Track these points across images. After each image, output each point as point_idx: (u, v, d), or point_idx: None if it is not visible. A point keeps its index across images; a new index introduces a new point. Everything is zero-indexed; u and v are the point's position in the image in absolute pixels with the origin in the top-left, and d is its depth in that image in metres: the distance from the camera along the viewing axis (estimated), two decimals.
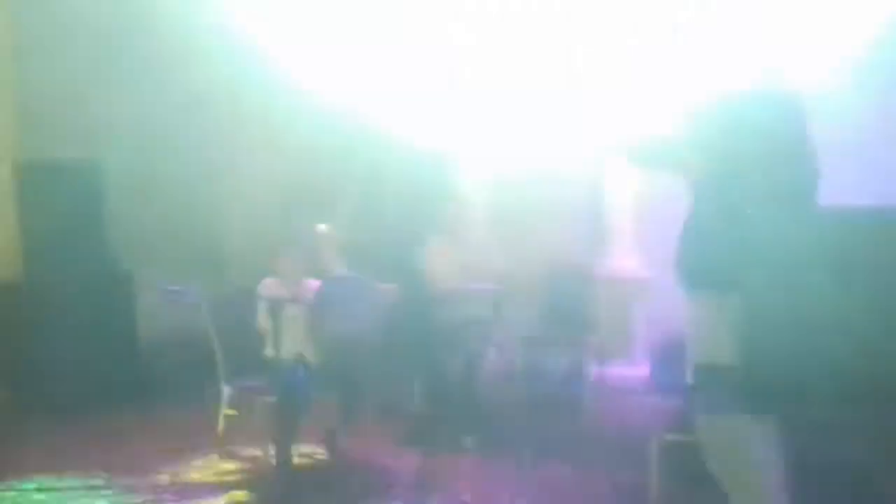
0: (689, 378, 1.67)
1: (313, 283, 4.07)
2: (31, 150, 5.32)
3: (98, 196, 5.45)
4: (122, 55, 6.07)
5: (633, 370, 5.31)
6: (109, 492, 3.76)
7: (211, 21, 6.58)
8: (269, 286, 3.96)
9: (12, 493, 3.76)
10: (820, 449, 2.95)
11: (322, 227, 6.52)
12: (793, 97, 2.35)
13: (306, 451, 4.17)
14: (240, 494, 3.67)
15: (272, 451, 3.74)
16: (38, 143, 5.39)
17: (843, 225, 1.41)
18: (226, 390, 3.91)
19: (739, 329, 1.37)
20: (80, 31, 5.81)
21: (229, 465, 4.03)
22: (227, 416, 4.05)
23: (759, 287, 1.37)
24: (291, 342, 3.87)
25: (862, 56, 4.63)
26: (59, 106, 5.68)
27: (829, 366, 1.32)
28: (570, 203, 5.66)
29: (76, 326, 5.09)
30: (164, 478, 3.91)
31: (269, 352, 3.88)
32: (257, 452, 4.02)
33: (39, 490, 3.81)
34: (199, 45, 6.58)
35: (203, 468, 4.03)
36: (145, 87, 6.22)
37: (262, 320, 3.87)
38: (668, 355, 4.93)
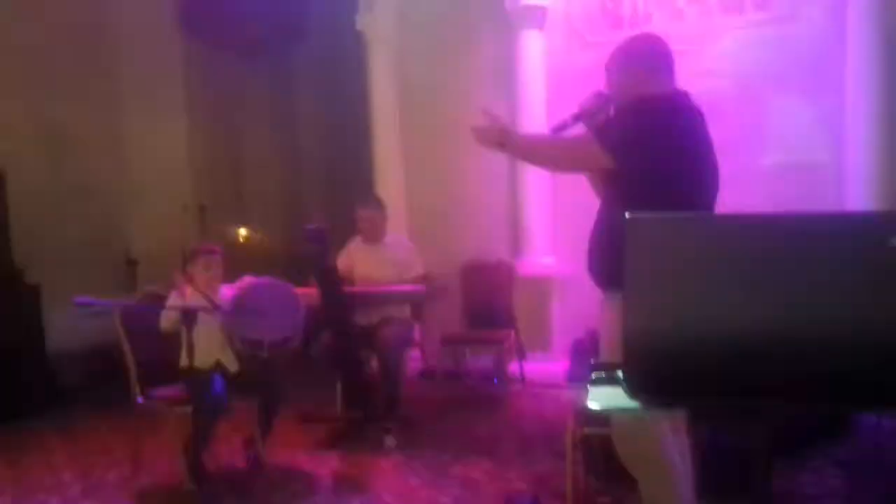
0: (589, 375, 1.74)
1: (228, 289, 4.01)
2: None
3: (2, 206, 5.23)
4: (23, 55, 5.89)
5: (552, 364, 5.42)
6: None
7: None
8: (182, 293, 3.87)
9: None
10: (713, 438, 3.12)
11: (241, 230, 6.48)
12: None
13: (225, 459, 4.12)
14: None
15: (187, 459, 3.65)
16: None
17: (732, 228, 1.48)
18: (139, 401, 3.80)
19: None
20: None
21: (144, 477, 3.94)
22: (140, 427, 3.94)
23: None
24: (208, 350, 3.80)
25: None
26: None
27: (705, 363, 1.39)
28: (490, 202, 5.74)
29: None
30: (75, 493, 3.79)
31: (183, 361, 3.79)
32: (173, 462, 3.94)
33: None
34: (102, 49, 6.46)
35: (116, 481, 3.93)
36: (49, 89, 6.06)
37: (165, 323, 3.77)
38: (586, 349, 5.07)
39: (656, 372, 1.42)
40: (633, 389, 1.42)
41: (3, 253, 5.24)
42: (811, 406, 1.52)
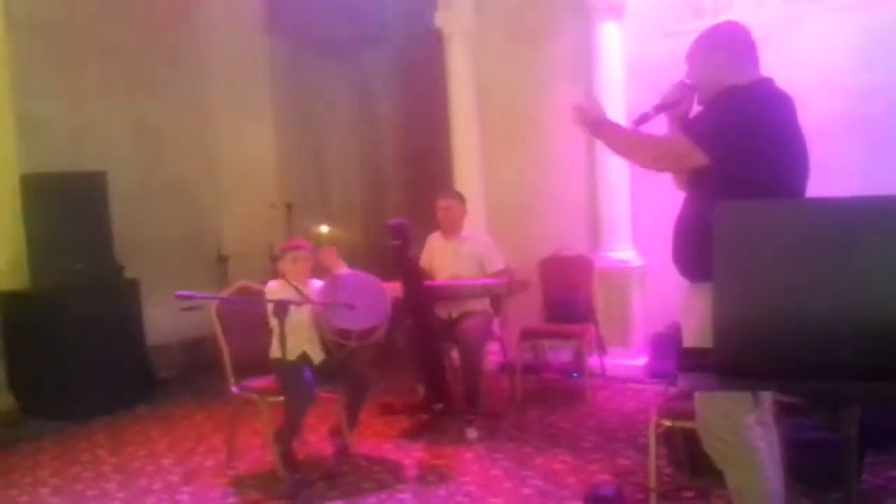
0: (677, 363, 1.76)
1: (317, 283, 4.15)
2: (31, 163, 5.42)
3: (101, 205, 5.53)
4: (119, 61, 6.21)
5: (632, 359, 5.39)
6: (123, 493, 3.86)
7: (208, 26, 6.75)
8: (273, 287, 4.04)
9: (26, 498, 3.87)
10: (801, 426, 3.06)
11: (323, 227, 6.66)
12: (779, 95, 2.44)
13: (314, 448, 4.28)
14: (250, 491, 3.77)
15: (279, 447, 3.81)
16: (39, 156, 5.51)
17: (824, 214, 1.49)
18: (234, 391, 3.99)
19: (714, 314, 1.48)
20: (72, 41, 5.93)
21: (239, 463, 4.13)
22: (234, 416, 4.13)
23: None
24: (297, 341, 3.94)
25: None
26: (57, 117, 5.82)
27: (794, 346, 1.40)
28: (566, 196, 5.73)
29: (85, 332, 5.18)
30: (175, 478, 4.01)
31: (274, 352, 3.95)
32: (265, 449, 4.12)
33: (55, 493, 3.91)
34: (190, 52, 6.75)
35: (213, 467, 4.13)
36: (143, 93, 6.38)
37: (271, 320, 3.93)
38: (666, 343, 5.02)
39: (747, 355, 1.44)
40: (724, 372, 1.44)
41: (106, 249, 5.54)
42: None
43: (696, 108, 2.60)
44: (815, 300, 1.40)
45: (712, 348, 1.51)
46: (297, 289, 4.01)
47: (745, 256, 1.47)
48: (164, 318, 5.84)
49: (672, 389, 1.86)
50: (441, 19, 6.06)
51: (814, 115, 2.99)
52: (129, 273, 5.69)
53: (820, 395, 1.64)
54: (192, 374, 6.00)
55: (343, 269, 4.19)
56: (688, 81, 2.56)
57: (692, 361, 1.71)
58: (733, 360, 1.51)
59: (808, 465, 3.26)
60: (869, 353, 1.36)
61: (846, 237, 1.42)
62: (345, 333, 3.98)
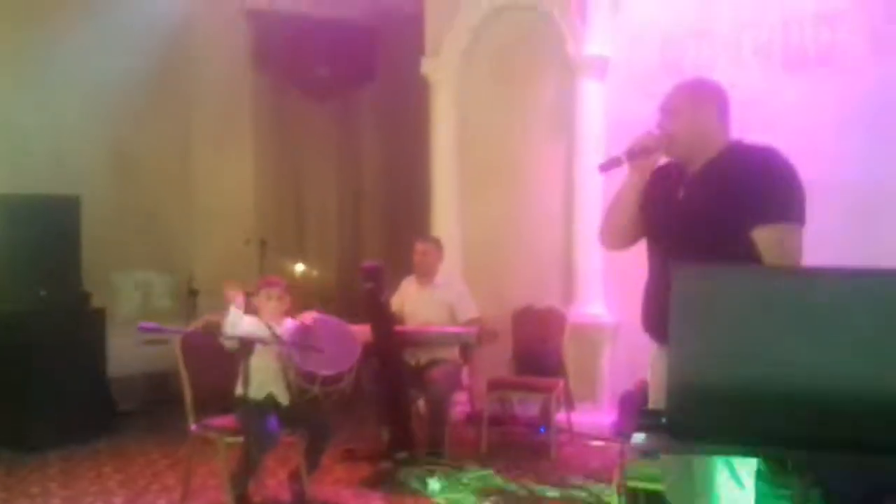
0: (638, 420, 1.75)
1: (289, 323, 4.09)
2: (5, 184, 5.36)
3: (72, 230, 5.46)
4: (102, 87, 6.19)
5: (600, 415, 5.35)
6: None
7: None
8: (242, 322, 3.96)
9: None
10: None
11: (298, 265, 6.62)
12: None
13: (271, 492, 4.18)
14: None
15: (234, 489, 3.72)
16: (13, 176, 5.45)
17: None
18: (192, 428, 3.90)
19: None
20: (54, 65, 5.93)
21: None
22: (191, 454, 4.03)
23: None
24: (264, 381, 3.87)
25: None
26: (34, 138, 5.78)
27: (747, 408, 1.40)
28: (541, 248, 5.75)
29: (44, 359, 5.07)
30: None
31: (238, 390, 3.88)
32: (221, 491, 4.02)
33: None
34: (175, 82, 6.76)
35: None
36: (124, 120, 6.36)
37: (227, 342, 3.83)
38: (633, 401, 5.00)
39: (699, 417, 1.43)
40: (676, 434, 1.43)
41: (74, 275, 5.44)
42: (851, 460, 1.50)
43: (662, 160, 2.49)
44: (769, 366, 1.40)
45: (665, 409, 1.50)
46: (269, 326, 3.95)
47: (702, 319, 1.48)
48: (129, 350, 5.74)
49: (635, 449, 1.84)
50: (428, 66, 6.13)
51: None
52: (96, 301, 5.59)
53: (770, 459, 1.63)
54: (154, 409, 5.86)
55: (309, 310, 4.15)
56: (657, 132, 2.40)
57: (651, 421, 1.70)
58: (685, 421, 1.51)
59: None
60: (822, 422, 1.36)
61: (804, 306, 1.43)
62: (310, 377, 3.92)
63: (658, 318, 2.36)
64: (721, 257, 2.12)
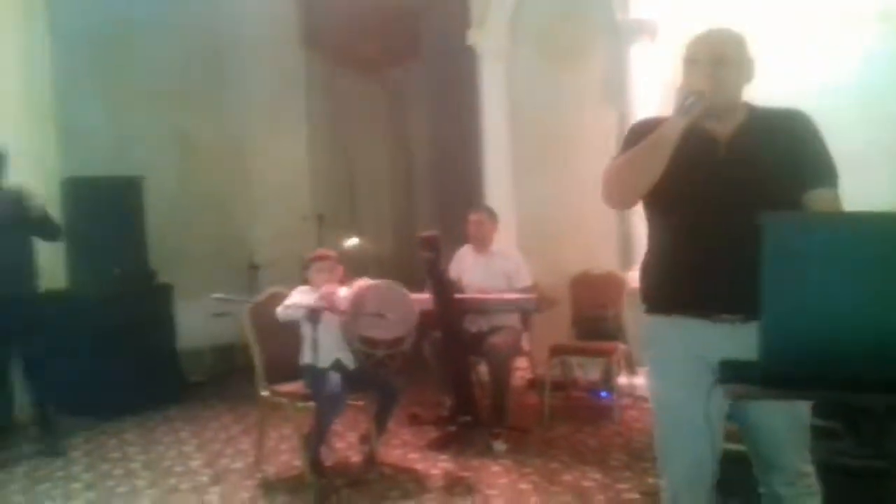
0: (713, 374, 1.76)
1: (347, 291, 4.19)
2: (72, 168, 5.55)
3: (138, 211, 5.64)
4: (160, 72, 6.36)
5: None
6: (152, 491, 3.90)
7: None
8: (304, 293, 4.07)
9: (59, 491, 3.92)
10: (836, 451, 3.03)
11: (353, 239, 6.72)
12: None
13: (342, 455, 4.30)
14: (277, 494, 3.79)
15: (307, 453, 3.84)
16: (79, 162, 5.64)
17: None
18: (264, 394, 4.02)
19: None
20: (115, 51, 6.09)
21: (267, 467, 4.16)
22: (263, 420, 4.17)
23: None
24: (329, 349, 3.97)
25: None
26: (98, 125, 5.97)
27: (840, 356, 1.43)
28: (597, 214, 5.73)
29: (119, 334, 5.26)
30: (204, 479, 4.04)
31: (306, 357, 3.99)
32: (294, 454, 4.16)
33: (87, 489, 3.96)
34: (229, 64, 6.89)
35: (242, 470, 4.16)
36: (182, 103, 6.52)
37: (284, 316, 3.94)
38: None
39: (794, 365, 1.45)
40: (770, 383, 1.45)
41: (140, 254, 5.64)
42: None
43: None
44: (866, 313, 1.41)
45: (758, 358, 1.52)
46: (325, 297, 4.04)
47: (795, 267, 1.49)
48: (196, 324, 5.93)
49: (727, 396, 1.81)
50: (474, 37, 6.13)
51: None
52: (162, 278, 5.77)
53: (864, 407, 1.64)
54: (222, 379, 6.06)
55: (368, 277, 4.24)
56: (710, 81, 2.10)
57: (731, 373, 1.72)
58: (780, 369, 1.52)
59: (840, 491, 3.22)
60: None
61: (885, 250, 1.44)
62: (371, 342, 4.01)
63: (692, 288, 2.15)
64: None
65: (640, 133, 2.19)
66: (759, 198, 2.01)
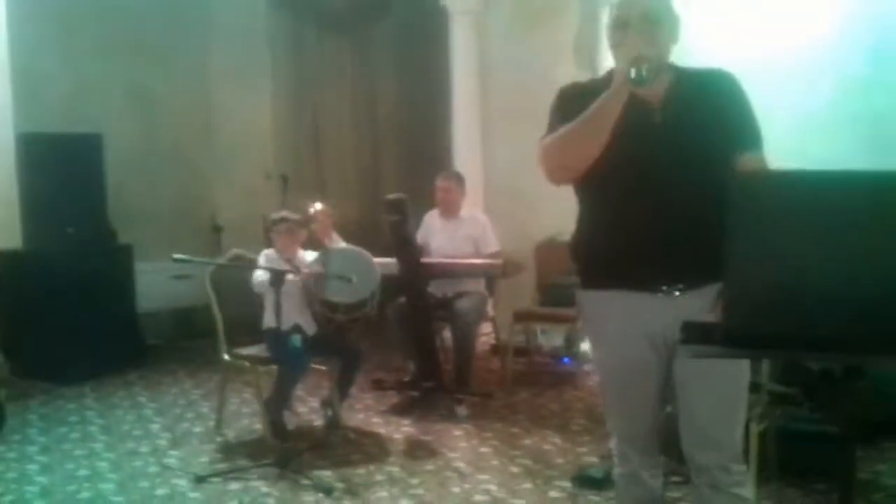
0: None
1: (310, 255, 4.14)
2: (27, 123, 5.37)
3: (96, 168, 5.48)
4: (121, 24, 6.15)
5: None
6: (110, 454, 3.85)
7: None
8: (269, 256, 4.02)
9: (14, 454, 3.85)
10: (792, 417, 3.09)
11: (317, 203, 6.62)
12: None
13: (303, 419, 4.29)
14: (238, 458, 3.77)
15: (269, 416, 3.82)
16: (35, 116, 5.45)
17: None
18: (225, 358, 3.98)
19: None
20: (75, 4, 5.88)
21: (228, 431, 4.13)
22: (224, 384, 4.13)
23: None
24: (289, 313, 3.93)
25: None
26: (55, 77, 5.77)
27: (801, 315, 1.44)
28: None
29: (76, 295, 5.15)
30: (163, 443, 4.00)
31: (268, 321, 3.95)
32: (255, 418, 4.14)
33: (42, 452, 3.90)
34: (193, 18, 6.69)
35: (202, 433, 4.12)
36: (144, 58, 6.33)
37: (258, 286, 3.91)
38: None
39: (757, 325, 1.45)
40: (733, 342, 1.45)
41: (100, 213, 5.49)
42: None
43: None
44: (830, 271, 1.41)
45: (721, 318, 1.52)
46: (287, 260, 3.99)
47: (760, 224, 1.47)
48: (155, 286, 5.83)
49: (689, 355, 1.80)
50: None
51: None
52: (122, 238, 5.64)
53: (823, 369, 1.65)
54: (182, 342, 5.98)
55: (335, 241, 4.20)
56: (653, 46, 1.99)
57: (694, 334, 1.71)
58: (742, 329, 1.52)
59: (798, 456, 3.29)
60: (882, 327, 1.37)
61: (867, 209, 1.42)
62: (332, 306, 3.98)
63: (633, 260, 2.06)
64: (711, 183, 1.83)
65: (571, 99, 2.12)
66: (695, 161, 2.01)
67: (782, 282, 1.43)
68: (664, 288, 2.06)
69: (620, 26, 2.04)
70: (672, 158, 2.02)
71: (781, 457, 3.28)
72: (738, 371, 2.11)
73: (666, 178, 2.01)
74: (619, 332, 2.13)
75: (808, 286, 1.42)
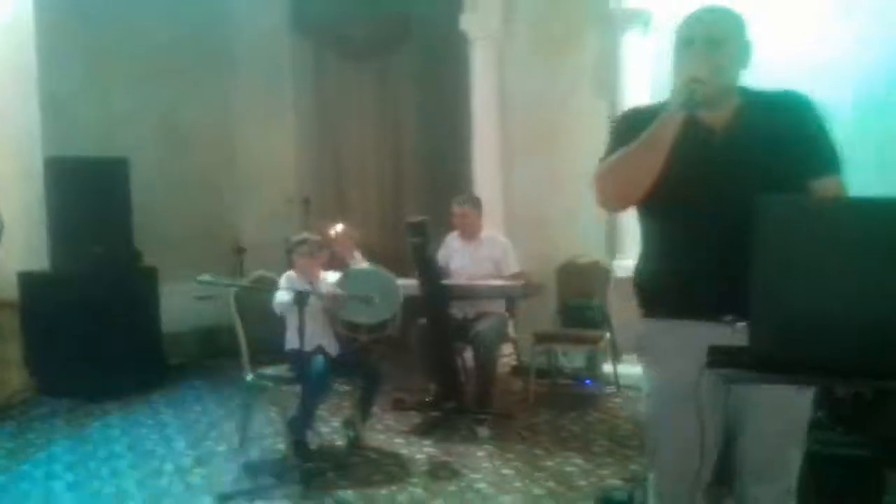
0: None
1: (333, 276, 4.18)
2: (55, 147, 5.48)
3: (122, 192, 5.58)
4: (148, 52, 6.29)
5: None
6: (136, 473, 3.88)
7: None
8: (290, 278, 4.06)
9: (40, 473, 3.89)
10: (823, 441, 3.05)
11: (339, 225, 6.68)
12: None
13: (325, 439, 4.30)
14: (262, 477, 3.78)
15: (292, 436, 3.84)
16: (63, 139, 5.57)
17: None
18: (248, 378, 4.01)
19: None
20: (103, 29, 6.03)
21: (251, 450, 4.15)
22: (248, 404, 4.15)
23: None
24: (312, 334, 3.96)
25: None
26: (83, 102, 5.91)
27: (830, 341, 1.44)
28: (587, 203, 5.74)
29: (101, 316, 5.22)
30: (187, 461, 4.03)
31: (290, 342, 3.98)
32: (278, 437, 4.15)
33: (67, 470, 3.94)
34: (218, 46, 6.83)
35: (226, 452, 4.15)
36: (169, 85, 6.46)
37: (279, 308, 3.95)
38: None
39: (784, 348, 1.46)
40: (759, 365, 1.45)
41: (125, 235, 5.58)
42: None
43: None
44: (856, 299, 1.42)
45: (748, 343, 1.52)
46: (309, 282, 4.03)
47: (787, 251, 1.49)
48: (179, 307, 5.89)
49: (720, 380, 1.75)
50: (466, 22, 6.10)
51: None
52: (147, 261, 5.73)
53: (854, 392, 1.65)
54: (205, 362, 6.04)
55: (358, 261, 4.24)
56: (708, 68, 1.92)
57: (720, 358, 1.72)
58: (770, 353, 1.53)
59: (828, 480, 3.25)
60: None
61: (887, 236, 1.44)
62: (354, 326, 4.01)
63: (698, 291, 1.98)
64: None
65: (632, 123, 2.04)
66: (760, 188, 1.77)
67: (807, 307, 1.44)
68: (727, 318, 1.95)
69: (685, 44, 1.99)
70: (732, 185, 1.92)
71: (811, 482, 3.24)
72: (800, 402, 2.03)
73: (727, 205, 1.89)
74: (680, 363, 1.97)
75: (831, 312, 1.43)
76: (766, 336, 1.53)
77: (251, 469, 3.91)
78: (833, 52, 4.72)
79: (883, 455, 2.78)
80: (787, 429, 2.05)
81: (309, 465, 3.77)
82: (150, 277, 5.68)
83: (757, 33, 2.15)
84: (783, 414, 2.02)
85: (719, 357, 1.75)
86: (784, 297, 1.50)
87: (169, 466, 3.96)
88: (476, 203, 5.10)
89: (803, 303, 1.49)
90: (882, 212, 1.49)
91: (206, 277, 3.71)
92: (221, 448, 4.22)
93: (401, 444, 4.27)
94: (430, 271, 4.56)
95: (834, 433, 3.21)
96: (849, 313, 1.45)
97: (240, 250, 6.63)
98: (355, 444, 4.16)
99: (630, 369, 5.29)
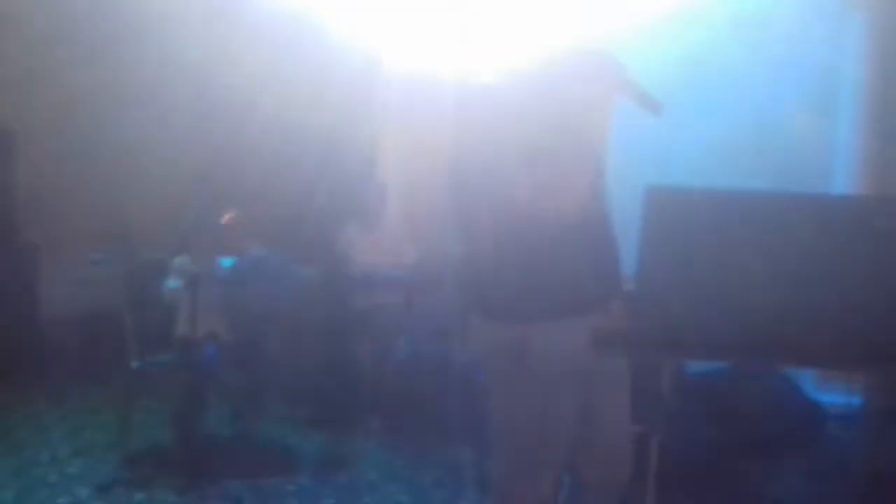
0: None
1: (227, 262, 4.09)
2: None
3: (5, 163, 5.27)
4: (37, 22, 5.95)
5: None
6: (6, 461, 3.70)
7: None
8: (184, 262, 3.94)
9: None
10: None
11: (233, 210, 6.53)
12: None
13: (213, 429, 4.20)
14: (145, 468, 3.67)
15: (178, 426, 3.74)
16: None
17: None
18: (134, 365, 3.87)
19: None
20: None
21: (134, 440, 4.01)
22: (132, 392, 4.02)
23: None
24: (204, 320, 3.86)
25: None
26: None
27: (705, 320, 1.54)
28: None
29: None
30: (65, 452, 3.86)
31: (181, 328, 3.87)
32: (162, 428, 4.03)
33: None
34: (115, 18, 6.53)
35: (106, 443, 4.00)
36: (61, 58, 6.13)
37: (169, 295, 3.84)
38: None
39: (666, 326, 1.54)
40: (641, 342, 1.54)
41: (6, 210, 5.26)
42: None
43: None
44: (730, 282, 1.52)
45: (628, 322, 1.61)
46: (202, 267, 3.93)
47: (670, 238, 1.57)
48: (63, 289, 5.60)
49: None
50: None
51: None
52: (29, 238, 5.42)
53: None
54: (88, 349, 5.75)
55: (252, 248, 4.17)
56: None
57: (602, 338, 1.78)
58: (651, 332, 1.61)
59: (691, 467, 3.42)
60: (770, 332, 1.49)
61: (764, 225, 1.54)
62: (249, 313, 3.95)
63: (523, 291, 1.90)
64: None
65: None
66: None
67: (684, 291, 1.53)
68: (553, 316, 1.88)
69: None
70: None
71: (676, 468, 3.40)
72: (626, 382, 2.01)
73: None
74: (513, 366, 1.92)
75: (709, 297, 1.52)
76: (646, 316, 1.61)
77: (133, 460, 3.78)
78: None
79: (742, 439, 2.96)
80: (625, 407, 2.03)
81: (195, 455, 3.68)
82: (30, 255, 5.38)
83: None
84: (622, 394, 2.00)
85: (600, 338, 1.81)
86: (664, 281, 1.59)
87: (44, 456, 3.79)
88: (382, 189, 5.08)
89: (681, 287, 1.58)
90: (755, 201, 1.59)
91: (94, 258, 3.56)
92: (102, 438, 4.07)
93: (292, 435, 4.22)
94: (329, 260, 4.52)
95: (692, 419, 3.40)
96: (724, 299, 1.54)
97: (130, 231, 6.37)
98: (245, 435, 4.09)
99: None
